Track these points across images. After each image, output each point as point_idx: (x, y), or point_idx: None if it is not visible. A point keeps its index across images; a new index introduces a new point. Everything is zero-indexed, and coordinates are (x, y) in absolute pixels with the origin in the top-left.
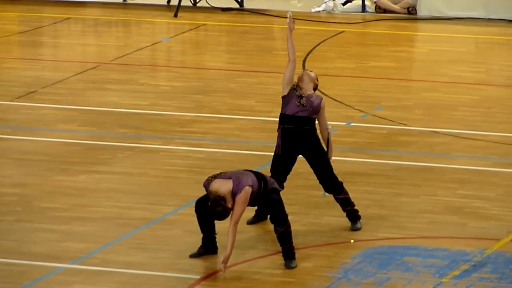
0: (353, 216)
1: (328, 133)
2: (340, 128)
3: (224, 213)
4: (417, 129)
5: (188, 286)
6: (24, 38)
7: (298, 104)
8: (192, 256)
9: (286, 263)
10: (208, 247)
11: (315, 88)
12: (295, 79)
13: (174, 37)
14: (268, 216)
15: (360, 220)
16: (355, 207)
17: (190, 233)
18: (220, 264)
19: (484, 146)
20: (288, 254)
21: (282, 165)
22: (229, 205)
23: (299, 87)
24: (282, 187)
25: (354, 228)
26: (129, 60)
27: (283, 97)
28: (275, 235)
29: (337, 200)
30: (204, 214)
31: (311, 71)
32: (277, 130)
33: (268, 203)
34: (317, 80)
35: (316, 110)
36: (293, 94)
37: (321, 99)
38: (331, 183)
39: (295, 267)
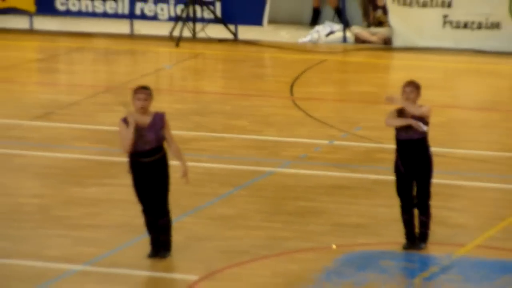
0: (424, 238)
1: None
2: (323, 146)
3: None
4: (392, 147)
5: (188, 286)
6: (42, 65)
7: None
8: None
9: None
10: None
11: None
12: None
13: (175, 65)
14: None
15: (426, 243)
16: (429, 231)
17: (190, 239)
18: (183, 177)
19: (451, 162)
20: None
21: (406, 183)
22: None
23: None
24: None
25: (419, 247)
26: (136, 84)
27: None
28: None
29: (419, 219)
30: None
31: (407, 87)
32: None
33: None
34: (418, 88)
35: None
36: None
37: (423, 108)
38: (425, 199)
39: None
